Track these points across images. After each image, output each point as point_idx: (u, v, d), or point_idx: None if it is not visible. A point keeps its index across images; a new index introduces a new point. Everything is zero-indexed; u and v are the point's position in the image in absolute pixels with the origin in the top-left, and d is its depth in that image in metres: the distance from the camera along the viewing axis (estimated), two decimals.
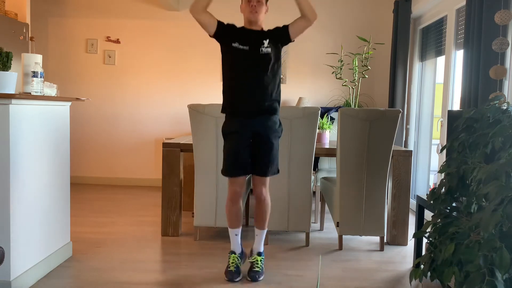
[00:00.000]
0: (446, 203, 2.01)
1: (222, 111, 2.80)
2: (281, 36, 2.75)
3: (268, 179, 2.80)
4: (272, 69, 2.70)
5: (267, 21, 2.84)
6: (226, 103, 2.77)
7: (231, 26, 2.76)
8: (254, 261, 2.81)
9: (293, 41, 2.79)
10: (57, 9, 5.71)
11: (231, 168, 2.73)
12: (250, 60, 2.68)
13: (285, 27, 2.75)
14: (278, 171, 2.82)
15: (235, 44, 2.68)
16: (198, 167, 3.40)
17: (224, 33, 2.72)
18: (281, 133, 2.82)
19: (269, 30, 2.77)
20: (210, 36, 2.74)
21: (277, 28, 2.78)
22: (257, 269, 2.77)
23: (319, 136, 3.83)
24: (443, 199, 2.02)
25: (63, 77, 5.71)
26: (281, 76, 2.81)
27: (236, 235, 2.85)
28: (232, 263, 2.78)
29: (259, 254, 2.85)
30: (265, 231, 2.89)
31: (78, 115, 5.70)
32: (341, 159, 3.30)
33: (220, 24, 2.71)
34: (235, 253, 2.82)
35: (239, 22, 2.80)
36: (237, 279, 2.73)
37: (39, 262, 2.66)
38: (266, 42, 2.69)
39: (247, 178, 2.93)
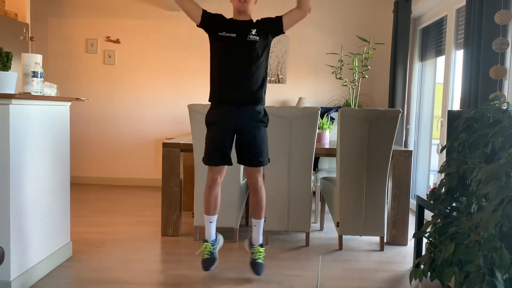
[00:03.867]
0: (446, 203, 2.01)
1: (209, 100, 2.79)
2: (273, 26, 2.73)
3: (261, 168, 2.79)
4: (259, 57, 2.69)
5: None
6: (212, 92, 2.76)
7: (219, 16, 2.75)
8: (256, 253, 2.80)
9: (284, 33, 2.77)
10: (57, 9, 5.71)
11: (211, 157, 2.74)
12: (237, 46, 2.67)
13: (279, 18, 2.73)
14: (269, 160, 2.80)
15: (222, 33, 2.67)
16: (198, 167, 3.40)
17: (210, 22, 2.72)
18: (267, 122, 2.79)
19: (258, 20, 2.75)
20: (197, 25, 2.74)
21: (268, 19, 2.76)
22: (260, 261, 2.77)
23: (319, 136, 3.83)
24: (443, 199, 2.02)
25: (63, 77, 5.71)
26: (269, 67, 2.77)
27: (211, 222, 2.86)
28: (206, 252, 2.80)
29: (261, 246, 2.84)
30: (262, 221, 2.88)
31: (78, 115, 5.70)
32: (341, 159, 3.30)
33: (205, 13, 2.71)
34: (207, 241, 2.84)
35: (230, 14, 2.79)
36: (212, 267, 2.77)
37: (39, 262, 2.66)
38: (254, 31, 2.68)
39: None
